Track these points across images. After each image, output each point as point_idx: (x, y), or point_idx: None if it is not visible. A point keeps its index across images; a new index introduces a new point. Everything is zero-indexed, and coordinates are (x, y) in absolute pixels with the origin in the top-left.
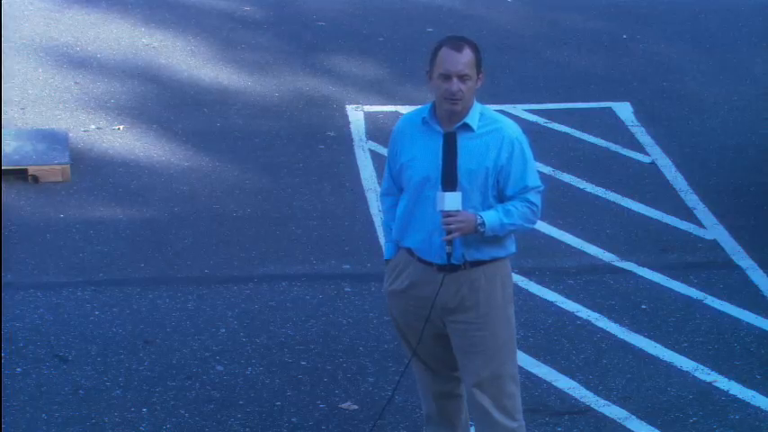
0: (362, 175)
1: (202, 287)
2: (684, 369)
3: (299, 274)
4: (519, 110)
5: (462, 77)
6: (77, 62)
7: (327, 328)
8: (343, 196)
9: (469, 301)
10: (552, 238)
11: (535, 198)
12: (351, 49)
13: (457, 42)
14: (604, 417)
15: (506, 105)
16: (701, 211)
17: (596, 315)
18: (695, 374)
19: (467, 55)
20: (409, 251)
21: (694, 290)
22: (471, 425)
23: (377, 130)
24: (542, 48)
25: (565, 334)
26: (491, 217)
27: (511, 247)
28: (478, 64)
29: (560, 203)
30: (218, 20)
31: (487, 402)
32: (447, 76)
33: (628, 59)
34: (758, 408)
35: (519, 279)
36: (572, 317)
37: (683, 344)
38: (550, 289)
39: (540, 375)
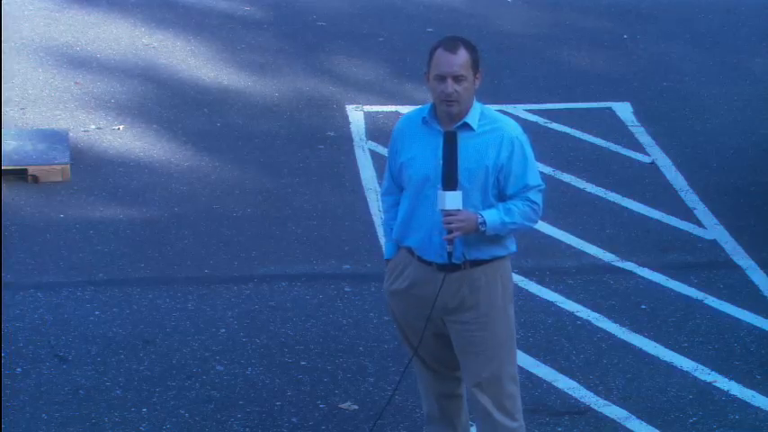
0: (362, 175)
1: (202, 287)
2: (684, 369)
3: (299, 274)
4: (519, 110)
5: (457, 78)
6: (77, 62)
7: (327, 328)
8: (343, 196)
9: (470, 300)
10: (552, 238)
11: (536, 197)
12: (351, 49)
13: (452, 43)
14: (604, 417)
15: (506, 105)
16: (701, 211)
17: (596, 315)
18: (695, 374)
19: (462, 56)
20: (410, 251)
21: (694, 290)
22: (472, 425)
23: (377, 130)
24: (542, 48)
25: (565, 334)
26: (492, 216)
27: (511, 246)
28: (475, 64)
29: (560, 203)
30: (218, 20)
31: (488, 402)
32: (442, 78)
33: (628, 59)
34: (758, 408)
35: (519, 279)
36: (572, 317)
37: (683, 344)
38: (550, 289)
39: (540, 375)
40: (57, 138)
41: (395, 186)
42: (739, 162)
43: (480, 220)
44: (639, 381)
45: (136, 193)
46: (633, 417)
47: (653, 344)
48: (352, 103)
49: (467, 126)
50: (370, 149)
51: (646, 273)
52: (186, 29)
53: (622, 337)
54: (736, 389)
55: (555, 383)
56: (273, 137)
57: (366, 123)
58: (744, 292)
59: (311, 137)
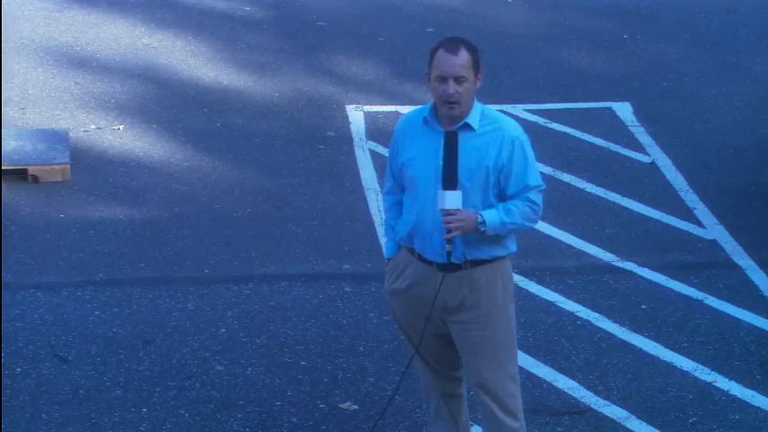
0: (362, 175)
1: (202, 287)
2: (684, 369)
3: (299, 274)
4: (519, 110)
5: (458, 79)
6: (77, 62)
7: (327, 328)
8: (343, 196)
9: (470, 300)
10: (552, 238)
11: (536, 197)
12: (351, 49)
13: (453, 44)
14: (604, 417)
15: (506, 105)
16: (701, 211)
17: (596, 315)
18: (695, 374)
19: (463, 56)
20: (410, 250)
21: (694, 290)
22: (472, 425)
23: (377, 130)
24: (542, 48)
25: (565, 334)
26: (492, 216)
27: (512, 246)
28: (476, 64)
29: (560, 203)
30: (218, 20)
31: (490, 402)
32: (443, 79)
33: (628, 59)
34: (758, 408)
35: (519, 279)
36: (572, 317)
37: (683, 344)
38: (550, 289)
39: (540, 375)
40: (57, 138)
41: (396, 186)
42: (739, 162)
43: (480, 220)
44: (639, 381)
45: (136, 193)
46: (633, 417)
47: (653, 344)
48: (352, 103)
49: (467, 126)
50: (370, 149)
51: (646, 273)
52: (186, 29)
53: (622, 337)
54: (736, 389)
55: (555, 383)
56: (273, 137)
57: (366, 123)
58: (744, 292)
59: (311, 137)
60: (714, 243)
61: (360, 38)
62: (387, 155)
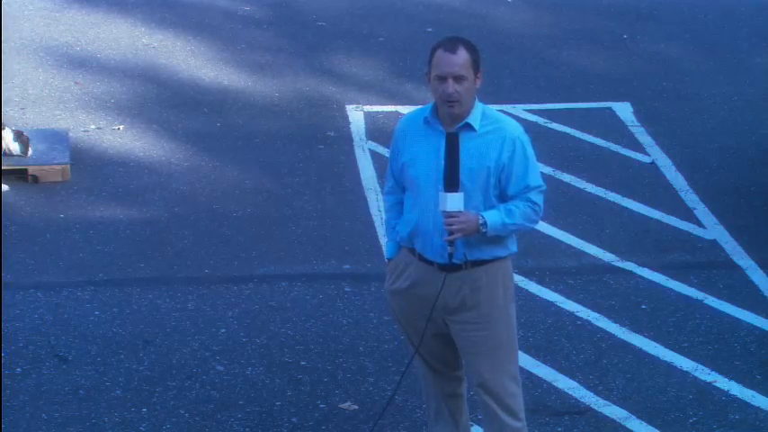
0: (362, 175)
1: (202, 287)
2: (684, 369)
3: (299, 274)
4: (519, 110)
5: (457, 79)
6: (77, 62)
7: (327, 328)
8: (344, 196)
9: (471, 300)
10: (552, 238)
11: (537, 198)
12: (351, 49)
13: (452, 43)
14: (604, 417)
15: (506, 105)
16: (701, 211)
17: (596, 315)
18: (695, 374)
19: (462, 56)
20: (411, 250)
21: (694, 290)
22: (472, 425)
23: (377, 130)
24: (542, 48)
25: (565, 334)
26: (493, 217)
27: (512, 246)
28: (475, 64)
29: (560, 203)
30: (218, 20)
31: (492, 402)
32: (442, 78)
33: (628, 59)
34: (758, 408)
35: (519, 279)
36: (572, 317)
37: (683, 344)
38: (550, 289)
39: (540, 375)
40: (57, 138)
41: (397, 186)
42: (739, 162)
43: (481, 222)
44: (639, 381)
45: (136, 193)
46: (633, 417)
47: (653, 344)
48: (352, 103)
49: (468, 126)
50: (370, 149)
51: (646, 273)
52: (186, 29)
53: (622, 337)
54: (736, 389)
55: (555, 383)
56: (273, 137)
57: (366, 123)
58: (744, 292)
59: (311, 137)
60: (714, 243)
61: (360, 38)
62: (387, 155)
